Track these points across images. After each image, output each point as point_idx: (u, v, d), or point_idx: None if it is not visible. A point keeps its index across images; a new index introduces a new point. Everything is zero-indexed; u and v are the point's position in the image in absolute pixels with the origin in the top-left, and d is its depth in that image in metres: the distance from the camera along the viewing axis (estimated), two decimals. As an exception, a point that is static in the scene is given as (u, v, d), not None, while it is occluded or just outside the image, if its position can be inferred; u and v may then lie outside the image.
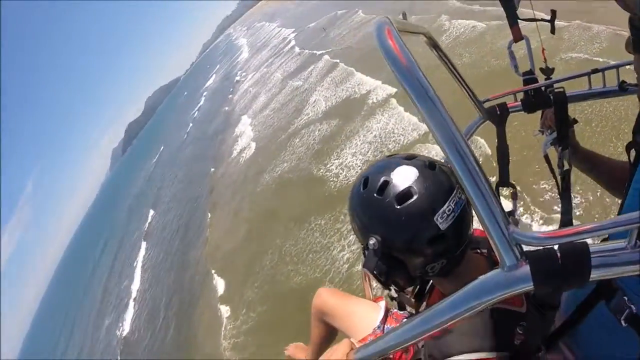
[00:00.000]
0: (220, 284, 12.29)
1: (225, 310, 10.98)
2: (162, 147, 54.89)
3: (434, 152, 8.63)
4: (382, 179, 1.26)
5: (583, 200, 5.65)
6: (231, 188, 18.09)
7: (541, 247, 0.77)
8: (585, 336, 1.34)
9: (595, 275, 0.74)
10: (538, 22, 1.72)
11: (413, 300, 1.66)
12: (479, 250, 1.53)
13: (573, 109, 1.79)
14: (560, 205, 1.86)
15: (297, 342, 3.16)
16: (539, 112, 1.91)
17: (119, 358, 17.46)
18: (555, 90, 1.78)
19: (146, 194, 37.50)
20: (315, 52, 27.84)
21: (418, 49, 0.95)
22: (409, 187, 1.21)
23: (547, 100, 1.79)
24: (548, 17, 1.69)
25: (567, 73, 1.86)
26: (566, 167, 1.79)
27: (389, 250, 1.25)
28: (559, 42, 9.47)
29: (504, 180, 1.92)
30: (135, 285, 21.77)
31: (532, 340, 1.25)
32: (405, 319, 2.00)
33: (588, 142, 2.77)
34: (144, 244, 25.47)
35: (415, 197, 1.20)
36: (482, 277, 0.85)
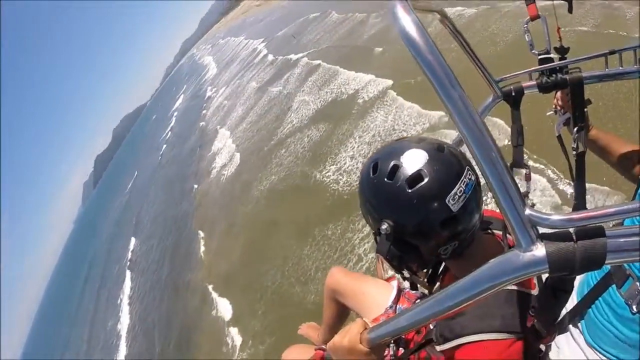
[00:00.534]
0: (224, 309, 10.91)
1: (235, 338, 9.60)
2: (135, 173, 53.11)
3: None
4: (392, 163, 1.28)
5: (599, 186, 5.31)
6: (219, 204, 16.76)
7: (557, 230, 0.76)
8: (595, 320, 1.36)
9: (610, 260, 0.71)
10: (555, 1, 1.69)
11: (426, 282, 1.56)
12: (490, 231, 1.55)
13: (587, 89, 1.79)
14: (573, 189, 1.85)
15: (311, 322, 3.22)
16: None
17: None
18: (571, 70, 1.77)
19: (125, 222, 35.64)
20: (291, 56, 26.87)
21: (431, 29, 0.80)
22: (420, 170, 1.24)
23: (562, 81, 1.77)
24: None
25: (582, 53, 1.83)
26: (581, 149, 1.77)
27: (402, 234, 1.28)
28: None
29: (519, 162, 1.90)
30: (125, 322, 20.11)
31: (543, 323, 1.21)
32: (418, 299, 2.06)
33: (600, 124, 2.55)
34: (128, 274, 23.80)
35: (426, 180, 1.22)
36: (497, 259, 0.83)
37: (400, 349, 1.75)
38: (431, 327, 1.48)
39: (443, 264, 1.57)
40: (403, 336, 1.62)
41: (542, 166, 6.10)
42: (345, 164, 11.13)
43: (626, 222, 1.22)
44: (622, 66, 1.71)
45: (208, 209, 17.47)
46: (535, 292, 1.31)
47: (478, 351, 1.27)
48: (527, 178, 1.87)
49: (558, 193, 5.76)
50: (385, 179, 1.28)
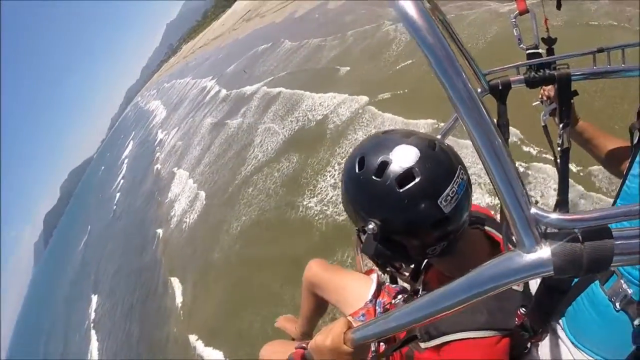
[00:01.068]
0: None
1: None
2: (89, 227, 50.30)
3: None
4: (380, 159, 1.23)
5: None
6: (188, 249, 15.02)
7: (562, 230, 0.73)
8: (576, 316, 1.32)
9: (617, 262, 0.69)
10: None
11: (409, 278, 1.59)
12: (477, 226, 1.54)
13: (575, 84, 1.82)
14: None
15: (287, 314, 3.23)
16: None
17: None
18: (559, 67, 1.83)
19: (83, 279, 33.05)
20: (246, 89, 25.77)
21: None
22: (411, 169, 1.19)
23: (550, 76, 1.80)
24: None
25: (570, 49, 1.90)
26: (566, 145, 1.81)
27: (389, 233, 1.24)
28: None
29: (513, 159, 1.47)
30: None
31: (535, 322, 1.23)
32: (398, 293, 2.07)
33: (586, 117, 2.04)
34: (94, 335, 21.33)
35: (417, 180, 1.18)
36: (498, 259, 0.79)
37: (382, 345, 1.69)
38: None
39: (426, 260, 1.52)
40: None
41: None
42: (327, 194, 9.95)
43: (623, 224, 0.95)
44: (610, 64, 1.74)
45: (176, 256, 15.79)
46: (519, 288, 1.32)
47: (464, 349, 1.24)
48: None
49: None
50: (373, 177, 1.22)
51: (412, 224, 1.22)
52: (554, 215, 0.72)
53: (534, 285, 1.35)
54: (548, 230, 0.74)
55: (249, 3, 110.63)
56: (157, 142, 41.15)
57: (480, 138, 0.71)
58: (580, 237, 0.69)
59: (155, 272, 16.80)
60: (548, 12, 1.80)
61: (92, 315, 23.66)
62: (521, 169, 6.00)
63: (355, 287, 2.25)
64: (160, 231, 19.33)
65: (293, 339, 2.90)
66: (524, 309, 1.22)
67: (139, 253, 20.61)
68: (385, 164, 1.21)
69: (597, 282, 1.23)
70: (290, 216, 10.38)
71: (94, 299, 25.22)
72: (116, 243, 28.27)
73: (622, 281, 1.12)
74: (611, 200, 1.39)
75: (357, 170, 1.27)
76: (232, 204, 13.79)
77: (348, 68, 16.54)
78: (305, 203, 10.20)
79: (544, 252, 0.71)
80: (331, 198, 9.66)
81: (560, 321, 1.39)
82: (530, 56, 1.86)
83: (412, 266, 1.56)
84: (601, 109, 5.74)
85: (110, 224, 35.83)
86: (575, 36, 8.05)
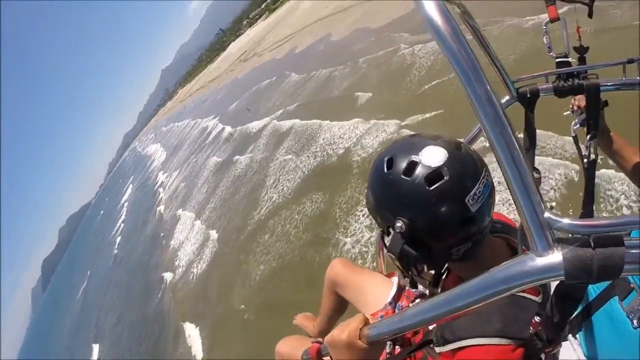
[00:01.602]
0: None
1: None
2: (88, 273, 48.66)
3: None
4: (409, 159, 1.25)
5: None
6: (203, 294, 13.38)
7: (575, 236, 0.74)
8: (594, 331, 1.35)
9: (627, 271, 0.69)
10: (576, 5, 1.71)
11: (429, 284, 1.51)
12: (498, 234, 1.54)
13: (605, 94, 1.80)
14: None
15: (307, 313, 3.29)
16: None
17: None
18: (589, 76, 1.79)
19: (83, 328, 31.21)
20: (253, 124, 24.50)
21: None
22: (440, 168, 1.21)
23: (579, 86, 1.78)
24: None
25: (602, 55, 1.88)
26: (592, 157, 1.80)
27: (415, 233, 1.24)
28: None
29: (530, 165, 1.46)
30: None
31: (549, 331, 1.22)
32: (417, 298, 2.10)
33: (614, 129, 1.97)
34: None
35: (446, 178, 1.19)
36: (510, 262, 0.80)
37: (397, 347, 1.71)
38: (430, 327, 1.48)
39: (446, 265, 1.55)
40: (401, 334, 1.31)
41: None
42: (363, 236, 8.65)
43: (633, 234, 1.07)
44: None
45: (188, 304, 14.05)
46: (538, 299, 1.31)
47: (478, 354, 1.25)
48: (537, 182, 1.60)
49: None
50: (402, 176, 1.24)
51: (439, 222, 1.21)
52: (567, 220, 0.72)
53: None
54: (562, 236, 0.74)
55: (244, 44, 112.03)
56: (158, 185, 39.98)
57: (499, 143, 0.72)
58: (592, 243, 0.69)
59: (164, 320, 15.19)
60: (579, 21, 1.72)
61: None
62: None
63: (375, 288, 2.26)
64: (167, 276, 17.66)
65: (310, 337, 2.85)
66: (538, 317, 1.18)
67: (144, 300, 18.93)
68: (414, 164, 1.23)
69: (616, 297, 1.23)
70: (317, 259, 9.14)
71: (95, 349, 23.46)
72: (118, 289, 26.68)
73: None
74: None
75: (385, 170, 1.29)
76: (247, 252, 12.17)
77: (370, 94, 15.50)
78: (337, 248, 8.87)
79: (556, 256, 0.72)
80: (369, 239, 8.41)
81: (577, 335, 1.44)
82: (559, 65, 1.81)
83: (433, 272, 1.47)
84: (629, 121, 5.22)
85: (111, 269, 34.34)
86: (607, 41, 7.87)
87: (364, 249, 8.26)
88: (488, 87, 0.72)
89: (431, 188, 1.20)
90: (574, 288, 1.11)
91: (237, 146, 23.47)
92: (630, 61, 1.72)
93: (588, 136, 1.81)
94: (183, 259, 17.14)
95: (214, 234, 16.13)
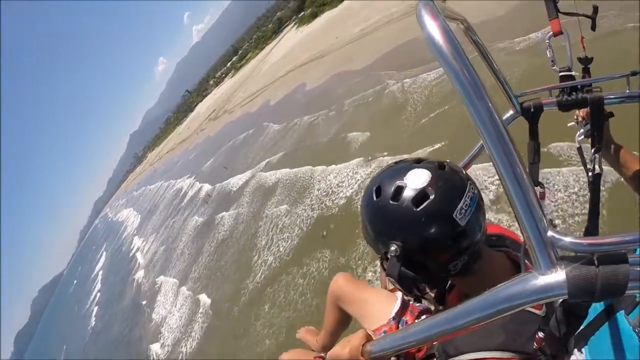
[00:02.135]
0: None
1: None
2: (64, 347, 45.36)
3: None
4: (395, 185, 1.28)
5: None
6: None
7: (578, 254, 0.76)
8: (600, 346, 1.35)
9: (632, 288, 0.69)
10: (579, 17, 1.74)
11: (434, 302, 1.54)
12: (501, 249, 1.54)
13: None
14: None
15: (309, 326, 3.28)
16: None
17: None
18: (593, 89, 1.79)
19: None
20: (234, 179, 23.00)
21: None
22: (424, 189, 1.24)
23: (583, 99, 1.79)
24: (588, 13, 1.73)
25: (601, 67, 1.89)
26: (597, 171, 1.76)
27: (411, 254, 1.26)
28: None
29: (534, 179, 1.85)
30: None
31: (553, 348, 1.19)
32: (421, 313, 2.08)
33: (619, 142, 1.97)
34: None
35: (431, 198, 1.22)
36: (513, 280, 0.82)
37: None
38: (432, 342, 1.47)
39: (449, 282, 1.54)
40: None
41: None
42: None
43: (639, 251, 1.03)
44: None
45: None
46: (541, 313, 1.22)
47: None
48: (542, 197, 1.84)
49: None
50: (391, 201, 1.27)
51: (431, 240, 1.23)
52: (569, 239, 0.73)
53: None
54: (566, 254, 0.75)
55: (212, 103, 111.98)
56: (133, 251, 37.89)
57: (500, 159, 0.73)
58: (595, 261, 0.70)
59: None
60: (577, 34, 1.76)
61: None
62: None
63: (379, 303, 2.22)
64: (155, 349, 15.51)
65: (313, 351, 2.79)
66: (541, 332, 1.15)
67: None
68: (400, 189, 1.26)
69: (622, 312, 1.24)
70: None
71: None
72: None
73: None
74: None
75: (375, 198, 1.31)
76: (246, 326, 10.38)
77: (366, 133, 14.45)
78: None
79: (559, 275, 0.72)
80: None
81: (583, 349, 1.42)
82: (563, 78, 1.81)
83: (436, 290, 1.49)
84: (633, 134, 5.14)
85: (89, 343, 31.61)
86: (608, 46, 7.96)
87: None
88: (490, 104, 0.73)
89: (419, 209, 1.21)
90: (578, 305, 1.07)
91: (218, 205, 21.89)
92: (634, 73, 1.73)
93: (592, 150, 1.76)
94: (169, 336, 15.09)
95: (203, 304, 14.23)
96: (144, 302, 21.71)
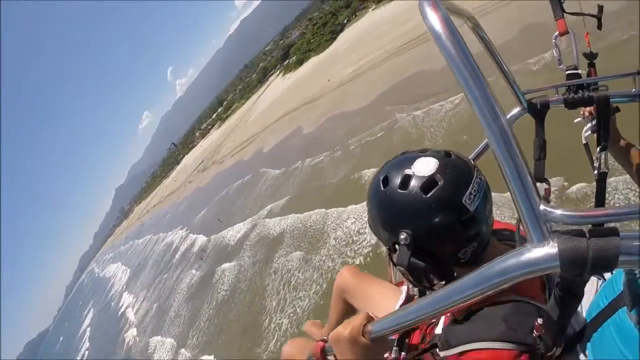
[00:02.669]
0: None
1: None
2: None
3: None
4: (403, 173, 1.28)
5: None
6: None
7: (571, 227, 0.77)
8: (601, 343, 1.27)
9: (623, 262, 0.70)
10: (584, 17, 1.77)
11: None
12: (507, 243, 1.54)
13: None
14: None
15: (315, 320, 3.27)
16: None
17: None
18: (599, 88, 1.80)
19: None
20: (234, 230, 21.30)
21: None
22: (433, 175, 1.24)
23: (589, 98, 1.79)
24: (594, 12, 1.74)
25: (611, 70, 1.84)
26: (603, 169, 1.78)
27: (420, 242, 1.25)
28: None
29: (539, 176, 1.87)
30: None
31: (549, 333, 1.15)
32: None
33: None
34: None
35: (440, 184, 1.22)
36: (507, 254, 0.82)
37: (403, 353, 1.53)
38: (436, 332, 1.55)
39: (455, 274, 1.45)
40: (407, 340, 1.47)
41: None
42: None
43: None
44: None
45: None
46: (545, 305, 1.25)
47: (482, 358, 1.22)
48: (547, 193, 1.84)
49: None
50: (399, 190, 1.26)
51: (441, 226, 1.22)
52: (560, 211, 0.75)
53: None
54: (561, 229, 0.76)
55: (199, 155, 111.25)
56: (123, 308, 36.14)
57: (493, 136, 0.75)
58: (587, 234, 0.71)
59: None
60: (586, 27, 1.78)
61: None
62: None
63: (383, 296, 2.25)
64: None
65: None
66: (540, 319, 1.13)
67: None
68: (408, 177, 1.26)
69: (624, 308, 1.17)
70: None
71: None
72: None
73: None
74: None
75: (382, 188, 1.30)
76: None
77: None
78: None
79: (551, 247, 0.73)
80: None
81: (585, 346, 1.35)
82: (569, 77, 1.83)
83: (444, 283, 1.39)
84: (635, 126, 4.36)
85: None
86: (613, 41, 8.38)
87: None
88: (485, 85, 0.76)
89: (428, 196, 1.21)
90: (573, 283, 1.03)
91: (215, 261, 20.15)
92: None
93: (598, 148, 1.76)
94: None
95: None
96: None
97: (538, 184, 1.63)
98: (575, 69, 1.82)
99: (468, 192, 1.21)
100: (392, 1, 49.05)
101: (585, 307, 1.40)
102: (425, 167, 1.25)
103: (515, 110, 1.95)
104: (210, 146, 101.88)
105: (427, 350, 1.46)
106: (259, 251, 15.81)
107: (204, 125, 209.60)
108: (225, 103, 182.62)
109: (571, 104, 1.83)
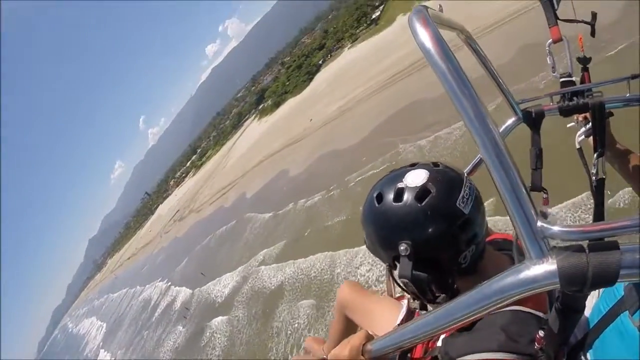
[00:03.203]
0: None
1: None
2: None
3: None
4: (396, 187, 1.26)
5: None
6: None
7: (569, 243, 0.75)
8: (604, 348, 1.24)
9: (624, 276, 0.68)
10: (578, 24, 1.74)
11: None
12: (505, 251, 1.50)
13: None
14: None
15: (316, 336, 2.94)
16: None
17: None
18: (594, 94, 1.75)
19: None
20: (218, 289, 19.48)
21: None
22: (425, 185, 1.23)
23: (584, 104, 1.74)
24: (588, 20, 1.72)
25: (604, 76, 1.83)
26: (601, 175, 1.72)
27: (421, 251, 1.23)
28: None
29: (536, 185, 1.78)
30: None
31: (551, 345, 1.11)
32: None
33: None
34: None
35: (433, 192, 1.21)
36: (506, 272, 0.81)
37: None
38: (437, 344, 1.37)
39: (456, 286, 1.39)
40: (409, 355, 1.41)
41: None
42: None
43: None
44: None
45: None
46: (546, 316, 1.18)
47: None
48: (545, 202, 1.74)
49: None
50: (394, 203, 1.24)
51: (439, 232, 1.19)
52: (557, 227, 0.73)
53: None
54: (559, 245, 0.75)
55: (174, 204, 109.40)
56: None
57: (487, 152, 0.74)
58: (586, 249, 0.70)
59: None
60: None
61: None
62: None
63: (384, 311, 2.05)
64: None
65: None
66: (542, 331, 1.10)
67: None
68: (401, 190, 1.24)
69: (626, 312, 1.14)
70: None
71: None
72: None
73: None
74: None
75: (376, 205, 1.28)
76: None
77: None
78: None
79: (550, 264, 0.72)
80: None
81: (588, 355, 1.29)
82: (563, 84, 1.75)
83: (444, 295, 1.32)
84: (634, 138, 3.51)
85: None
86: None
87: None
88: (478, 101, 0.74)
89: (423, 204, 1.20)
90: (573, 298, 0.97)
91: (202, 318, 18.36)
92: (635, 76, 1.70)
93: (595, 154, 1.71)
94: None
95: None
96: None
97: (536, 193, 1.72)
98: (570, 76, 1.72)
99: (460, 195, 1.18)
100: (368, 39, 49.28)
101: (587, 312, 1.31)
102: (416, 178, 1.23)
103: (511, 120, 1.86)
104: (185, 194, 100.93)
105: None
106: (255, 307, 14.14)
107: (178, 173, 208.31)
108: (199, 150, 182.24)
109: (566, 112, 1.74)
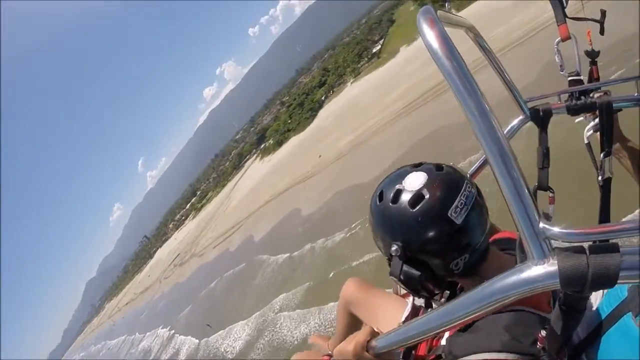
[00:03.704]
0: None
1: None
2: None
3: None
4: (395, 189, 1.31)
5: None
6: None
7: (571, 244, 0.77)
8: (607, 350, 1.25)
9: (624, 278, 0.70)
10: (586, 22, 1.75)
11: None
12: (510, 252, 1.49)
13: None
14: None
15: (321, 333, 3.37)
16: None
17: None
18: (601, 94, 1.75)
19: None
20: (229, 341, 17.55)
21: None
22: (420, 190, 1.27)
23: (592, 103, 1.74)
24: (597, 17, 1.72)
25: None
26: (608, 175, 1.69)
27: (412, 253, 1.28)
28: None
29: (543, 184, 1.83)
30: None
31: (553, 345, 1.16)
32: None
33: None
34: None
35: (427, 198, 1.24)
36: (507, 272, 0.83)
37: None
38: (442, 343, 1.49)
39: (459, 284, 1.53)
40: (413, 352, 1.56)
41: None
42: None
43: None
44: None
45: None
46: (549, 316, 1.22)
47: None
48: (551, 201, 1.81)
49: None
50: (390, 204, 1.29)
51: (429, 239, 1.23)
52: (559, 229, 0.74)
53: None
54: (561, 246, 0.76)
55: (174, 248, 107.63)
56: None
57: (491, 152, 0.75)
58: (587, 251, 0.71)
59: None
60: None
61: None
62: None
63: (389, 308, 2.19)
64: None
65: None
66: (544, 331, 1.13)
67: None
68: (399, 192, 1.29)
69: (629, 314, 1.15)
70: None
71: None
72: None
73: None
74: None
75: (377, 203, 1.33)
76: None
77: None
78: None
79: (551, 264, 0.73)
80: None
81: (591, 353, 1.32)
82: (571, 83, 1.76)
83: (448, 291, 1.50)
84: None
85: None
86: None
87: None
88: (482, 99, 0.76)
89: (415, 209, 1.23)
90: (575, 299, 1.04)
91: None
92: None
93: (602, 154, 1.68)
94: None
95: None
96: None
97: (542, 192, 1.78)
98: (578, 74, 1.73)
99: (454, 205, 1.20)
100: (371, 72, 48.77)
101: (590, 313, 1.32)
102: (414, 181, 1.27)
103: (518, 118, 1.92)
104: (186, 238, 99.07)
105: None
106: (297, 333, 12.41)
107: (178, 216, 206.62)
108: (199, 192, 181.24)
109: (574, 111, 1.75)
